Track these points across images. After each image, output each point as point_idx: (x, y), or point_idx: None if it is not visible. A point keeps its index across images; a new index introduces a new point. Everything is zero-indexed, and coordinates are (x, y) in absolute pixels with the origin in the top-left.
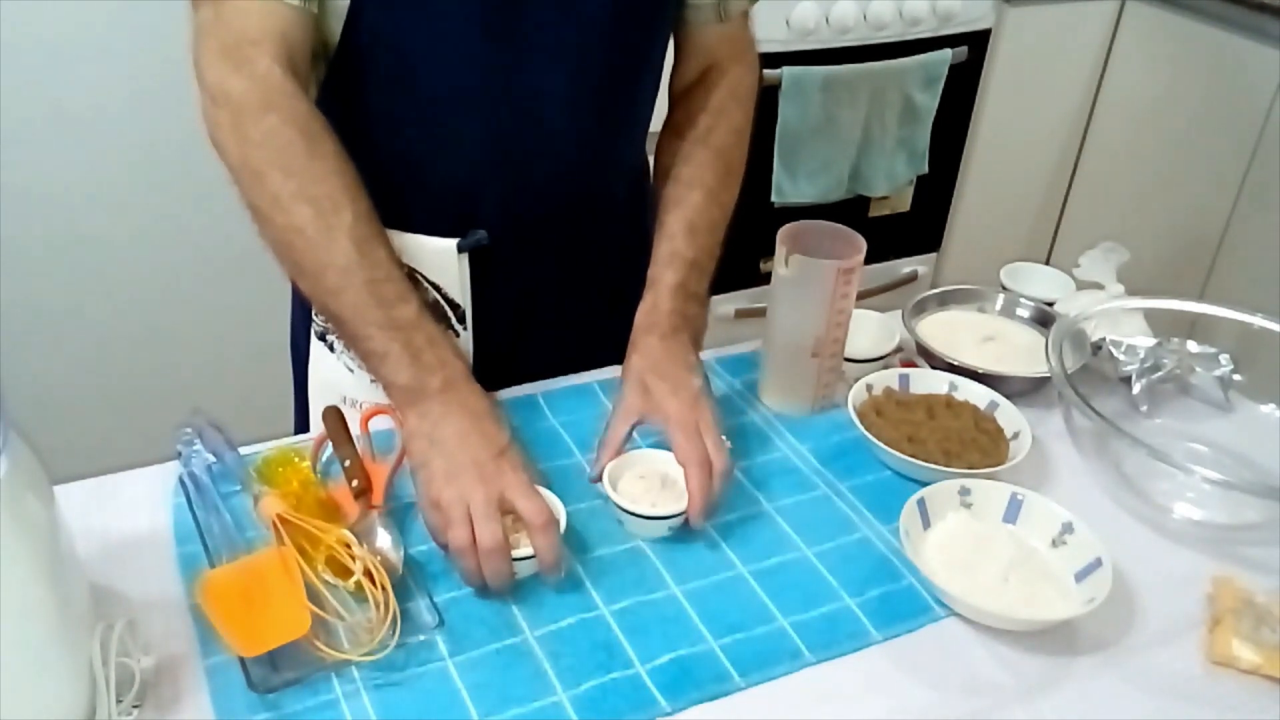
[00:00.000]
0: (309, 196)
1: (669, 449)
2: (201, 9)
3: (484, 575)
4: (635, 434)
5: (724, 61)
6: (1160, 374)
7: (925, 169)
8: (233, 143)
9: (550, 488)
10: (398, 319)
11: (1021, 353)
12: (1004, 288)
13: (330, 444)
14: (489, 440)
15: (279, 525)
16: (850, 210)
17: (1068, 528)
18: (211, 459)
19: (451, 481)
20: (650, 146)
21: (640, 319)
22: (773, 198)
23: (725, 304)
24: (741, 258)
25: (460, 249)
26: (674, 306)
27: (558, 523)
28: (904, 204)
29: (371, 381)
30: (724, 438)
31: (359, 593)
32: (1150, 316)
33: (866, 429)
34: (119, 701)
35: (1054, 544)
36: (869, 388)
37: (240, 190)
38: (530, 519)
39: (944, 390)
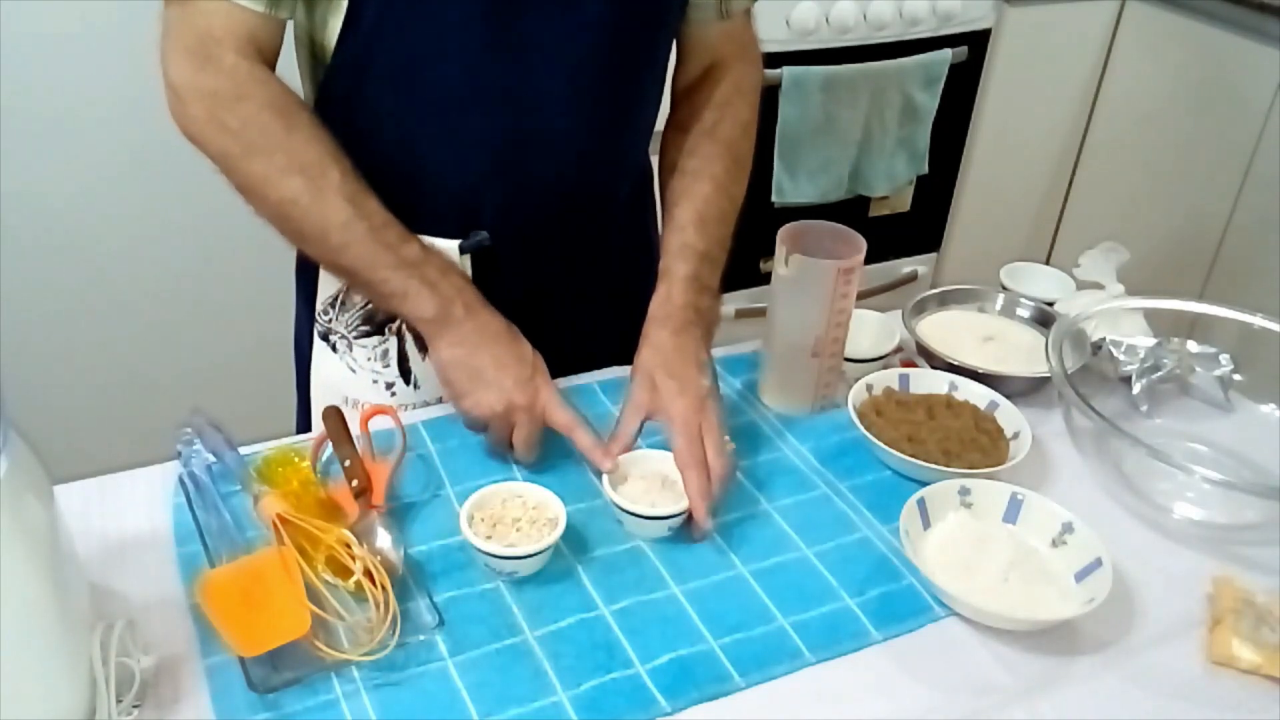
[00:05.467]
0: (296, 167)
1: (669, 449)
2: (170, 7)
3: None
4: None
5: (727, 58)
6: (1160, 374)
7: (925, 169)
8: (211, 133)
9: (551, 485)
10: (407, 258)
11: (1021, 353)
12: (1004, 288)
13: (330, 444)
14: (523, 361)
15: (279, 525)
16: (850, 210)
17: (1068, 528)
18: (211, 459)
19: (499, 402)
20: (653, 147)
21: (654, 310)
22: (773, 198)
23: (725, 304)
24: (741, 258)
25: (462, 250)
26: (687, 299)
27: (588, 423)
28: (904, 204)
29: (374, 380)
30: (728, 438)
31: (359, 593)
32: (1150, 316)
33: (866, 429)
34: (119, 701)
35: (1054, 544)
36: (869, 388)
37: (227, 175)
38: (567, 428)
39: (944, 390)
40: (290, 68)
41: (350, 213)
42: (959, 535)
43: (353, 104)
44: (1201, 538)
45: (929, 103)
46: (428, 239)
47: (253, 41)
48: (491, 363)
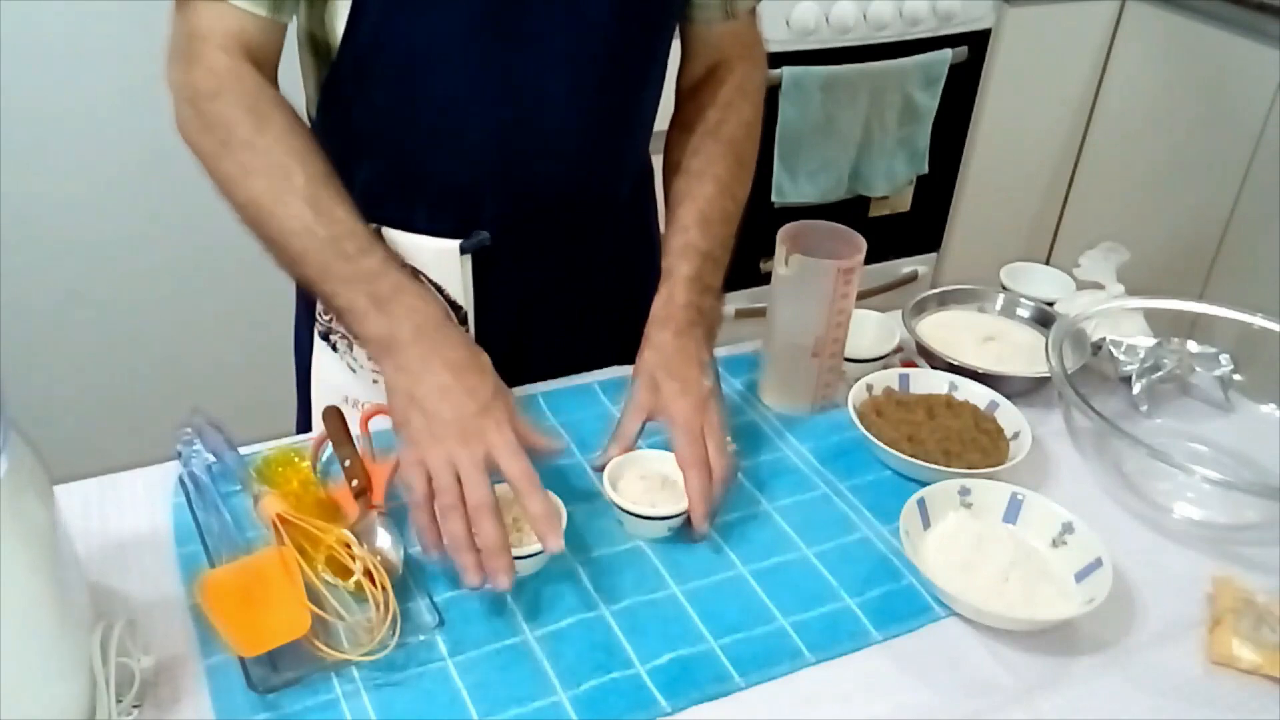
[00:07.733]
0: (259, 169)
1: (670, 449)
2: (175, 10)
3: (477, 538)
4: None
5: (731, 58)
6: (1160, 374)
7: (925, 169)
8: (194, 131)
9: (550, 485)
10: (362, 271)
11: (1021, 353)
12: (1004, 288)
13: (330, 444)
14: (473, 394)
15: (279, 525)
16: (850, 210)
17: (1068, 528)
18: (211, 459)
19: (437, 442)
20: (654, 146)
21: (656, 311)
22: (773, 198)
23: (726, 304)
24: (741, 258)
25: (463, 250)
26: (689, 299)
27: (550, 496)
28: (904, 204)
29: (375, 379)
30: (729, 439)
31: (359, 593)
32: (1150, 316)
33: (866, 429)
34: (119, 701)
35: (1054, 544)
36: (869, 388)
37: (209, 175)
38: (515, 481)
39: (944, 390)
40: (293, 68)
41: (309, 219)
42: (959, 535)
43: (355, 104)
44: (1201, 538)
45: (929, 103)
46: (427, 238)
47: (240, 39)
48: (436, 390)
